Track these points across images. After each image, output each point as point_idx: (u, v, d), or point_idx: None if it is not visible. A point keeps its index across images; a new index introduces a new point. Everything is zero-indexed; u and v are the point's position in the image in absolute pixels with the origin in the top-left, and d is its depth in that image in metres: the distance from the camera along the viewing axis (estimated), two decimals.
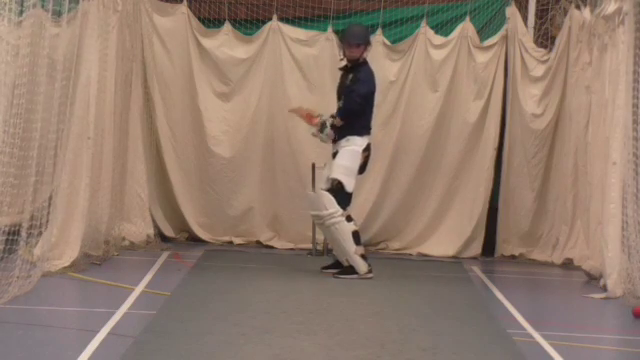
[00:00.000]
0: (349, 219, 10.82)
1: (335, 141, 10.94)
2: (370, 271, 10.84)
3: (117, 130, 11.84)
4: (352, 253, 10.82)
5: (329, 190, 10.82)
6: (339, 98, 11.07)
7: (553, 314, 9.97)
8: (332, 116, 10.94)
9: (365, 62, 11.06)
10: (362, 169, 11.00)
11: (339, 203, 10.76)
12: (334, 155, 10.96)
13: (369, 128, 11.06)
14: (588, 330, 9.02)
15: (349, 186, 10.86)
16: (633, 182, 10.43)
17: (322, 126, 10.93)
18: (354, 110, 10.91)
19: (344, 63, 11.11)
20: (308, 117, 11.13)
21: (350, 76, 11.02)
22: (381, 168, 12.94)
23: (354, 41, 11.00)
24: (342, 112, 10.93)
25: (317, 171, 12.08)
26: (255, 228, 13.21)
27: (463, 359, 7.40)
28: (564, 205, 12.83)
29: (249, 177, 13.13)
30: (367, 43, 11.06)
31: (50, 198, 10.18)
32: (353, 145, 10.88)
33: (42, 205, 9.88)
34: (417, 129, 13.10)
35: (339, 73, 11.26)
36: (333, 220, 10.77)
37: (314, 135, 11.09)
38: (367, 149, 10.95)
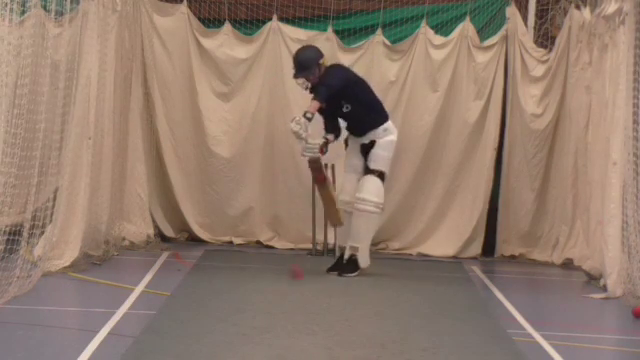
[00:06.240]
0: None
1: (364, 133, 10.94)
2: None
3: (117, 130, 11.85)
4: (367, 246, 10.92)
5: None
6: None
7: (553, 314, 9.97)
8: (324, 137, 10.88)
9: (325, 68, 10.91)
10: None
11: None
12: (365, 145, 10.94)
13: (387, 114, 11.15)
14: (588, 330, 9.02)
15: (386, 178, 11.02)
16: (633, 182, 10.44)
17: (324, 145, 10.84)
18: (320, 91, 10.56)
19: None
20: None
21: None
22: None
23: (302, 74, 10.80)
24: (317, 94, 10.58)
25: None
26: (255, 228, 13.21)
27: (463, 359, 7.41)
28: (564, 205, 12.83)
29: (249, 177, 13.13)
30: (316, 65, 10.80)
31: (54, 198, 10.19)
32: (391, 135, 10.99)
33: (45, 205, 9.89)
34: (417, 129, 13.10)
35: None
36: (377, 210, 10.83)
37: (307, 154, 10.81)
38: None
